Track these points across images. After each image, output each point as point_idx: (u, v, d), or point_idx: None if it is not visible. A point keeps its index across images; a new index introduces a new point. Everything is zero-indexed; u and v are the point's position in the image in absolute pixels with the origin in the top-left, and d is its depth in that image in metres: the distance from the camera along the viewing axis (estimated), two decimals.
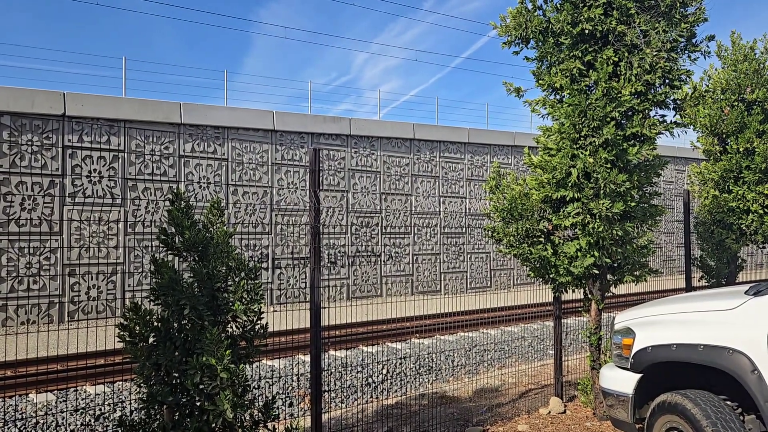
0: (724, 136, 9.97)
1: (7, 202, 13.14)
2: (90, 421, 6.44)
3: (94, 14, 50.92)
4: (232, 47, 56.95)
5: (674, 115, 6.26)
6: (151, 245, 14.62)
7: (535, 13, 6.14)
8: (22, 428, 6.15)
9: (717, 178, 9.87)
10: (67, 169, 13.89)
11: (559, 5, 6.03)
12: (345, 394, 7.81)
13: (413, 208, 19.60)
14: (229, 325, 3.83)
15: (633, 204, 5.94)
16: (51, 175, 13.68)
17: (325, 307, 7.47)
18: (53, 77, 35.99)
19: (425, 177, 19.99)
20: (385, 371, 8.44)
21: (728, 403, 3.97)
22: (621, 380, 4.56)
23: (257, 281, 3.95)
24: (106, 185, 14.35)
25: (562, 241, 6.06)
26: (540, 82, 6.22)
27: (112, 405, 6.66)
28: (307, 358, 8.30)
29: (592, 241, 5.77)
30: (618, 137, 5.71)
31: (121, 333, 3.59)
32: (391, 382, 8.31)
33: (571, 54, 5.91)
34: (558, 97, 6.21)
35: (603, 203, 5.57)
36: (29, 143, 13.44)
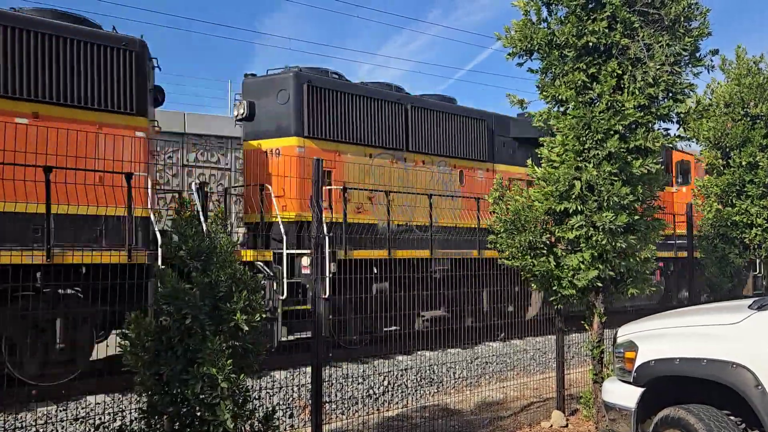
0: (727, 149, 9.98)
1: None
2: (89, 430, 6.42)
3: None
4: (236, 57, 57.26)
5: (678, 129, 6.27)
6: None
7: (540, 26, 6.16)
8: None
9: (720, 191, 9.87)
10: None
11: (563, 18, 6.05)
12: (346, 405, 7.77)
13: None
14: (230, 336, 3.82)
15: (636, 217, 5.94)
16: None
17: (327, 317, 7.47)
18: None
19: None
20: (386, 383, 8.40)
21: (732, 418, 3.94)
22: (623, 394, 4.53)
23: (260, 291, 3.94)
24: None
25: (564, 254, 6.05)
26: (544, 94, 6.23)
27: (112, 414, 6.64)
28: (308, 369, 8.27)
29: (595, 253, 5.76)
30: (622, 150, 5.71)
31: (123, 342, 3.58)
32: (393, 394, 8.27)
33: (576, 66, 5.92)
34: (562, 109, 6.21)
35: (606, 216, 5.56)
36: None
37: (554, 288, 6.12)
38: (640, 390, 4.40)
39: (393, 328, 9.40)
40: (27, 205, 6.46)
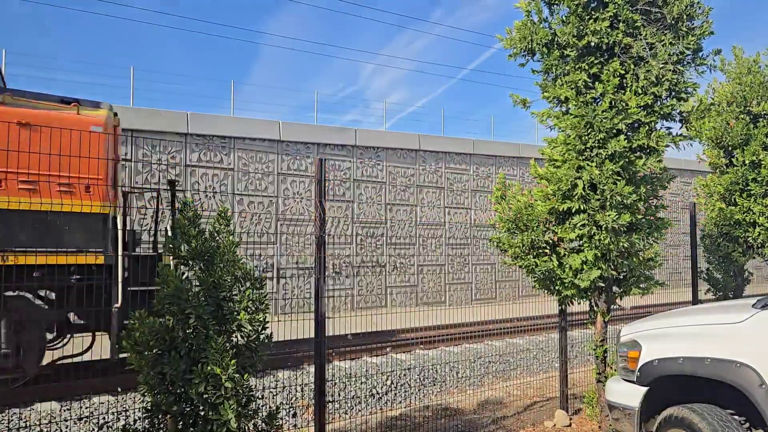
0: (729, 148, 9.95)
1: None
2: (93, 429, 6.44)
3: (103, 23, 51.38)
4: (239, 57, 57.31)
5: (680, 128, 6.25)
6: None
7: (541, 26, 6.15)
8: None
9: (723, 190, 9.85)
10: None
11: (564, 18, 6.05)
12: (349, 405, 7.78)
13: (418, 219, 19.59)
14: (234, 335, 3.83)
15: (639, 216, 5.93)
16: None
17: (329, 317, 7.45)
18: (61, 86, 36.30)
19: (430, 188, 19.99)
20: (389, 382, 8.41)
21: (736, 417, 3.94)
22: (627, 393, 4.53)
23: (262, 291, 3.95)
24: None
25: (566, 253, 6.04)
26: (545, 94, 6.22)
27: (115, 414, 6.65)
28: (312, 369, 8.27)
29: (598, 253, 5.75)
30: (624, 149, 5.70)
31: (126, 342, 3.59)
32: (395, 394, 8.27)
33: (577, 66, 5.91)
34: (564, 108, 6.20)
35: (609, 215, 5.55)
36: None
37: (556, 287, 6.12)
38: (643, 389, 4.40)
39: None
40: None
